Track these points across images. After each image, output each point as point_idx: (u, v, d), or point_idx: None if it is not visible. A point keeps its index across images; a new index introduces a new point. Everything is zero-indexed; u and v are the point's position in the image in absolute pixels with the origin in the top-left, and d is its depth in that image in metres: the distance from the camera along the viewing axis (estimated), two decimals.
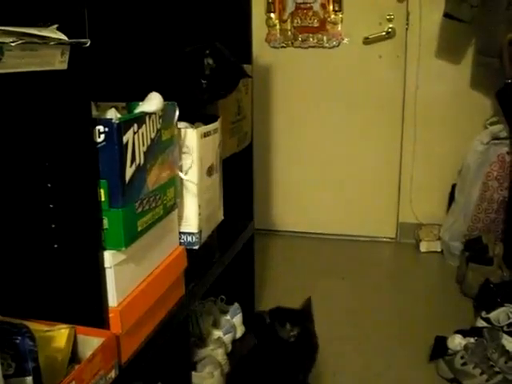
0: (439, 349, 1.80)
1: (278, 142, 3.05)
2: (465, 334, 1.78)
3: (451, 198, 2.77)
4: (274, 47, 2.93)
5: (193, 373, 1.44)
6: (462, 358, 1.70)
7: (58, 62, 0.74)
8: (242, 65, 1.49)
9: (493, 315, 1.86)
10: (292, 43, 2.91)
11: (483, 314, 1.90)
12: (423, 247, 2.83)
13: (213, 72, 1.28)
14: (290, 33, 2.90)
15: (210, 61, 1.28)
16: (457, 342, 1.75)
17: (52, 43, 0.71)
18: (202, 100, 1.33)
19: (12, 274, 0.91)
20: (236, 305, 1.83)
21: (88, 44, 0.77)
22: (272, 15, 2.90)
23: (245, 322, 1.85)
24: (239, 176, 1.77)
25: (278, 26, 2.90)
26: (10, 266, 0.91)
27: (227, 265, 1.54)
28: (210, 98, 1.35)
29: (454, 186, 2.76)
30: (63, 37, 0.73)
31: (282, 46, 2.92)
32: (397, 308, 2.27)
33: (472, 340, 1.74)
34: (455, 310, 2.19)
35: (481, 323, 1.88)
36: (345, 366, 1.83)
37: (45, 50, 0.71)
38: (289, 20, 2.88)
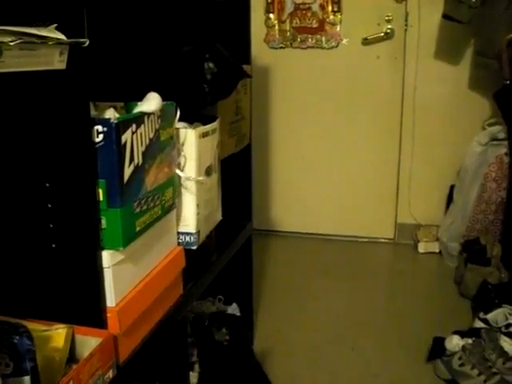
0: (437, 349, 1.80)
1: (277, 143, 3.05)
2: (463, 334, 1.79)
3: (449, 198, 2.78)
4: (272, 48, 2.93)
5: (190, 373, 1.44)
6: (459, 358, 1.70)
7: (56, 61, 0.74)
8: (241, 65, 1.49)
9: (491, 316, 1.86)
10: (291, 44, 2.91)
11: (481, 314, 1.90)
12: (421, 248, 2.83)
13: (214, 75, 1.28)
14: (288, 33, 2.90)
15: (211, 65, 1.28)
16: (455, 342, 1.75)
17: (51, 43, 0.71)
18: (203, 102, 1.33)
19: (10, 274, 0.91)
20: (234, 305, 1.82)
21: (87, 44, 0.77)
22: (271, 16, 2.90)
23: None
24: (238, 176, 1.77)
25: (276, 27, 2.90)
26: (7, 266, 0.91)
27: (225, 265, 1.54)
28: (212, 100, 1.36)
29: (452, 187, 2.76)
30: (62, 36, 0.73)
31: (281, 47, 2.93)
32: (395, 308, 2.27)
33: (470, 341, 1.74)
34: (453, 311, 2.20)
35: (479, 324, 1.87)
36: (342, 367, 1.84)
37: (43, 49, 0.70)
38: (288, 20, 2.88)
